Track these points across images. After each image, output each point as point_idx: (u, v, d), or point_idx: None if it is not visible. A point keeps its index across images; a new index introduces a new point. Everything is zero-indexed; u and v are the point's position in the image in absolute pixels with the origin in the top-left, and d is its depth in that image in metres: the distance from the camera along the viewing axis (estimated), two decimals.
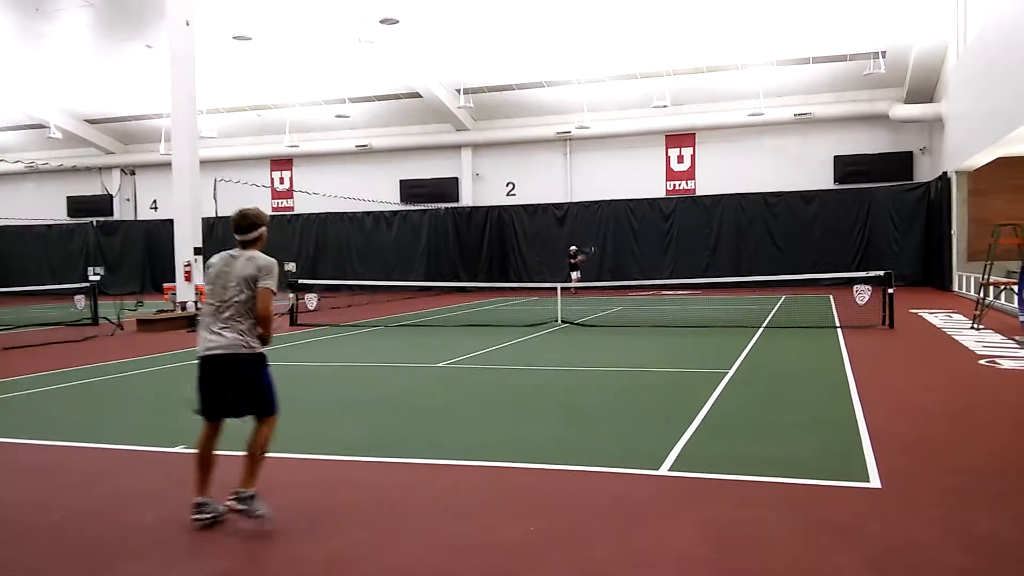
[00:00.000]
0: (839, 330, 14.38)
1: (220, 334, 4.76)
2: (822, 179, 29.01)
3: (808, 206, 28.58)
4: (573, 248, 28.02)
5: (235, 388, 4.82)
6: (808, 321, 15.87)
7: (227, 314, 4.79)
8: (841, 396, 8.28)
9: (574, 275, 27.10)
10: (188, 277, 18.63)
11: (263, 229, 5.05)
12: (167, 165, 21.78)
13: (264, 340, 4.86)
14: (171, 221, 19.76)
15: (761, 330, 14.72)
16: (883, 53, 25.05)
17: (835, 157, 28.87)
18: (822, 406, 7.95)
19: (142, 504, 5.28)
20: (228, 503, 4.67)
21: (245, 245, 4.97)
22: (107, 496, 5.51)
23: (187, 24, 18.82)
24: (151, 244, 34.66)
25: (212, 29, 23.37)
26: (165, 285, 20.13)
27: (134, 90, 30.23)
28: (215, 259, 4.98)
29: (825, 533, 4.40)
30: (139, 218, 37.22)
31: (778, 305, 20.42)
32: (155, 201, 37.13)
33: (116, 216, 37.44)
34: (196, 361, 4.87)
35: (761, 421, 7.31)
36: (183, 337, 15.91)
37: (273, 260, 4.93)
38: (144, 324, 17.66)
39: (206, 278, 4.98)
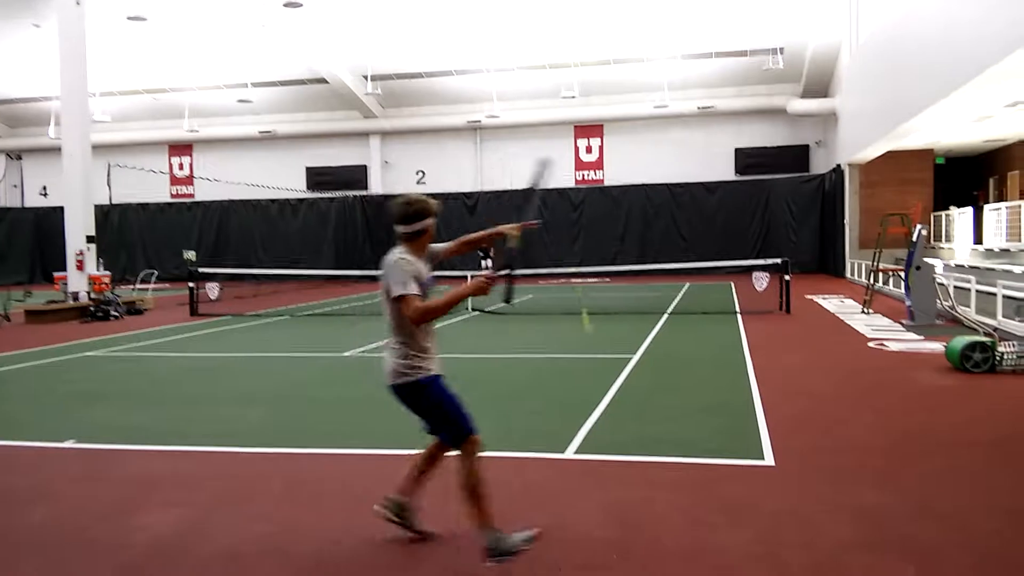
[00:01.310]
0: (739, 316, 14.87)
1: (386, 359, 4.10)
2: (724, 171, 29.92)
3: (711, 196, 29.43)
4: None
5: (416, 414, 4.16)
6: (710, 307, 16.35)
7: (389, 335, 4.08)
8: (739, 379, 8.58)
9: (484, 263, 27.17)
10: (80, 266, 17.83)
11: (429, 220, 4.11)
12: (57, 150, 20.72)
13: (420, 359, 4.03)
14: (62, 208, 18.85)
15: (665, 316, 15.09)
16: (781, 50, 25.97)
17: (736, 149, 29.82)
18: (721, 389, 8.21)
19: (33, 503, 5.04)
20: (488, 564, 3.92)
21: (404, 239, 4.09)
22: None
23: (77, 3, 17.97)
24: (40, 232, 33.03)
25: (105, 8, 22.34)
26: (56, 275, 19.20)
27: (21, 71, 28.64)
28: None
29: (720, 510, 4.56)
30: (27, 205, 35.36)
31: (682, 292, 20.97)
32: (45, 187, 35.36)
33: (2, 203, 35.45)
34: None
35: (664, 404, 7.50)
36: (75, 328, 15.22)
37: (397, 257, 3.98)
38: (33, 315, 16.80)
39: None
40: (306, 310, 18.51)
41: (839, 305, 16.61)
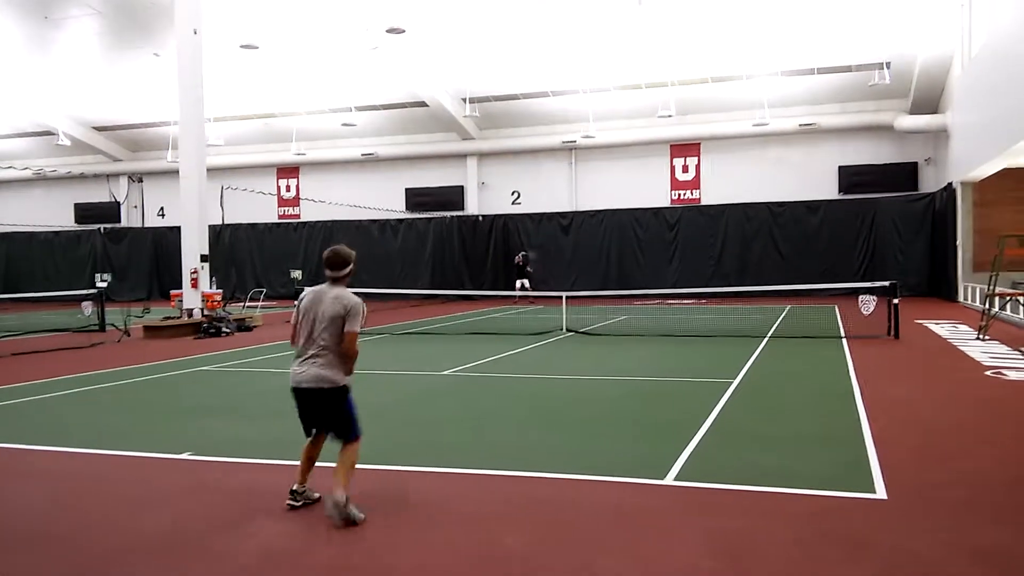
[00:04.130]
0: (844, 340, 14.37)
1: (306, 368, 5.12)
2: (827, 189, 29.04)
3: (813, 216, 28.59)
4: (519, 256, 28.25)
5: (320, 417, 5.23)
6: (813, 331, 15.86)
7: (313, 349, 5.12)
8: (847, 407, 8.29)
9: (520, 283, 27.23)
10: (195, 284, 18.70)
11: (352, 267, 5.36)
12: (174, 172, 21.87)
13: (347, 373, 5.17)
14: (178, 228, 19.84)
15: (766, 340, 14.72)
16: (888, 64, 25.11)
17: (839, 167, 28.91)
18: (828, 417, 7.95)
19: (152, 510, 5.31)
20: (329, 497, 4.95)
21: (335, 281, 5.26)
22: (117, 502, 5.54)
23: (195, 32, 18.95)
24: (158, 251, 34.74)
25: (220, 38, 23.52)
26: (172, 292, 20.19)
27: (142, 98, 30.40)
28: (307, 292, 5.32)
29: (832, 545, 4.41)
30: (146, 225, 37.36)
31: (783, 315, 20.42)
32: (162, 208, 37.27)
33: (123, 223, 37.58)
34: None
35: (767, 431, 7.32)
36: (189, 344, 15.97)
37: (359, 301, 5.16)
38: (151, 331, 17.72)
39: (297, 310, 5.29)
40: (405, 329, 18.89)
41: (952, 331, 15.85)
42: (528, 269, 27.80)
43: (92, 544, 4.71)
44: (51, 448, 7.18)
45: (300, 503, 5.22)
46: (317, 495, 5.29)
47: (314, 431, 5.32)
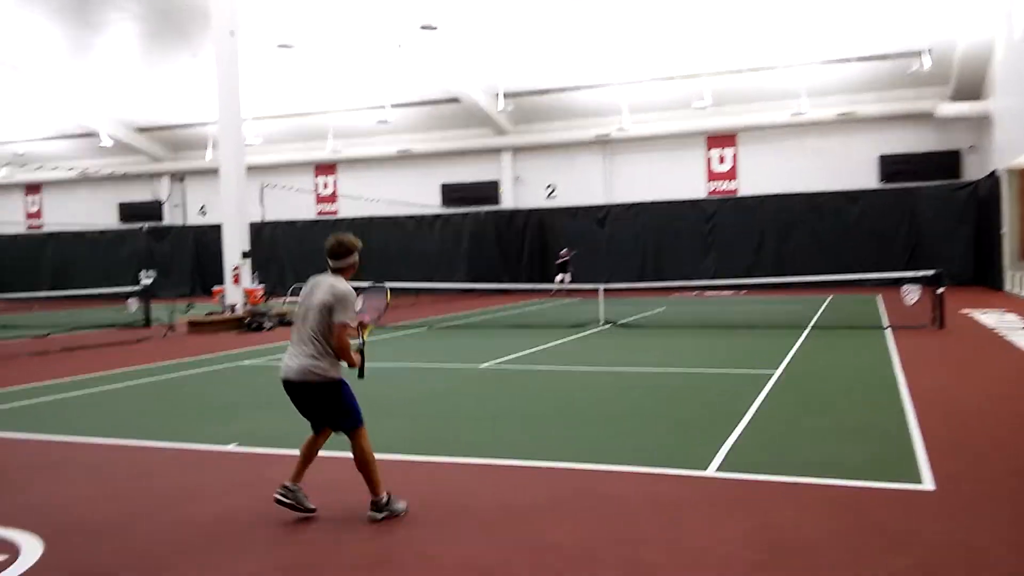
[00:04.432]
0: (888, 331, 14.16)
1: (295, 359, 4.92)
2: (867, 178, 28.58)
3: (853, 206, 28.15)
4: (564, 251, 28.10)
5: (314, 410, 5.05)
6: (856, 322, 15.65)
7: (302, 340, 4.92)
8: (891, 398, 8.18)
9: (560, 276, 27.08)
10: (236, 280, 19.00)
11: (355, 257, 5.15)
12: (214, 171, 22.18)
13: (352, 364, 4.97)
14: (219, 226, 20.16)
15: (807, 331, 14.56)
16: (928, 50, 24.61)
17: (880, 156, 28.43)
18: (872, 408, 7.86)
19: (199, 502, 5.43)
20: (370, 515, 4.89)
21: (335, 272, 5.08)
22: (166, 493, 5.67)
23: (232, 34, 19.20)
24: (200, 248, 35.27)
25: (256, 38, 23.81)
26: (214, 288, 20.52)
27: (182, 99, 30.89)
28: (308, 281, 5.16)
29: (877, 536, 4.37)
30: (188, 223, 37.96)
31: (824, 305, 20.17)
32: (203, 206, 37.85)
33: (166, 221, 38.27)
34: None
35: (810, 423, 7.25)
36: (233, 339, 16.23)
37: (350, 290, 4.91)
38: (195, 326, 18.04)
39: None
40: (443, 323, 19.00)
41: (999, 320, 15.53)
42: (570, 266, 27.65)
43: (143, 534, 4.83)
44: (101, 440, 7.36)
45: (289, 501, 4.95)
46: (312, 507, 5.00)
47: (317, 425, 5.14)
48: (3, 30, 24.61)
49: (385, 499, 4.91)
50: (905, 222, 27.54)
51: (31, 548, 4.53)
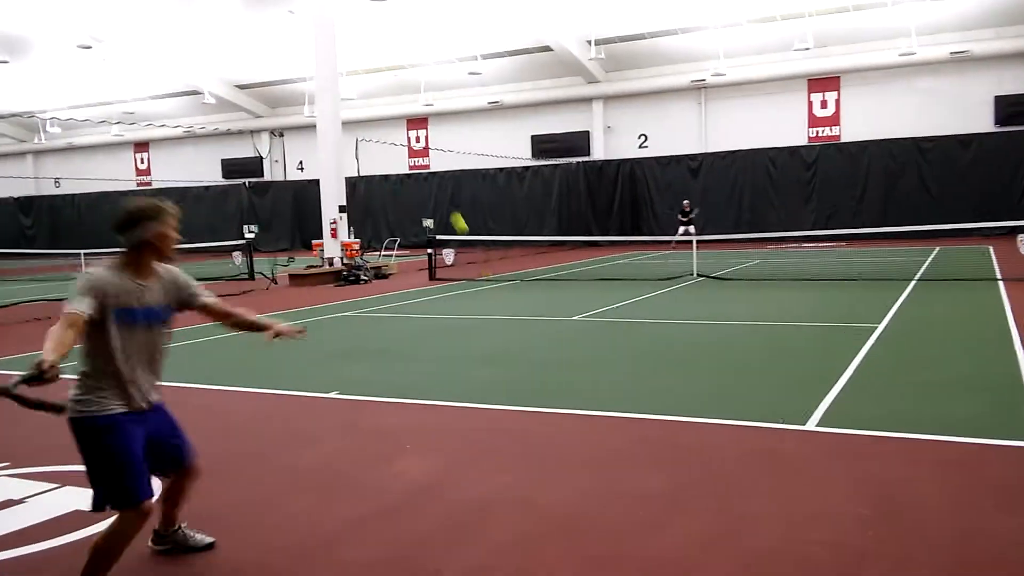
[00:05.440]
0: (1001, 283, 13.46)
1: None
2: (981, 122, 26.93)
3: (965, 151, 26.65)
4: (686, 202, 27.21)
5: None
6: (966, 274, 14.93)
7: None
8: (1004, 352, 7.81)
9: (682, 229, 26.19)
10: (334, 234, 19.50)
11: (151, 230, 3.40)
12: (312, 127, 22.68)
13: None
14: (317, 181, 20.65)
15: (913, 283, 13.97)
16: None
17: (996, 97, 26.69)
18: (982, 363, 7.53)
19: (307, 445, 5.67)
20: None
21: (126, 251, 3.43)
22: (275, 437, 5.95)
23: None
24: (299, 203, 36.26)
25: None
26: (313, 242, 21.14)
27: (280, 55, 31.52)
28: None
29: (986, 493, 4.22)
30: (288, 178, 39.05)
31: (932, 257, 19.29)
32: (301, 162, 38.80)
33: (267, 177, 39.45)
34: None
35: (915, 377, 7.01)
36: (332, 291, 16.73)
37: (82, 276, 3.29)
38: (296, 279, 18.66)
39: None
40: (533, 275, 19.07)
41: None
42: (693, 216, 26.85)
43: (257, 474, 5.08)
44: (209, 387, 7.76)
45: (165, 546, 3.83)
46: (197, 539, 3.87)
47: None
48: None
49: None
50: (1023, 167, 25.93)
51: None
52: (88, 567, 3.30)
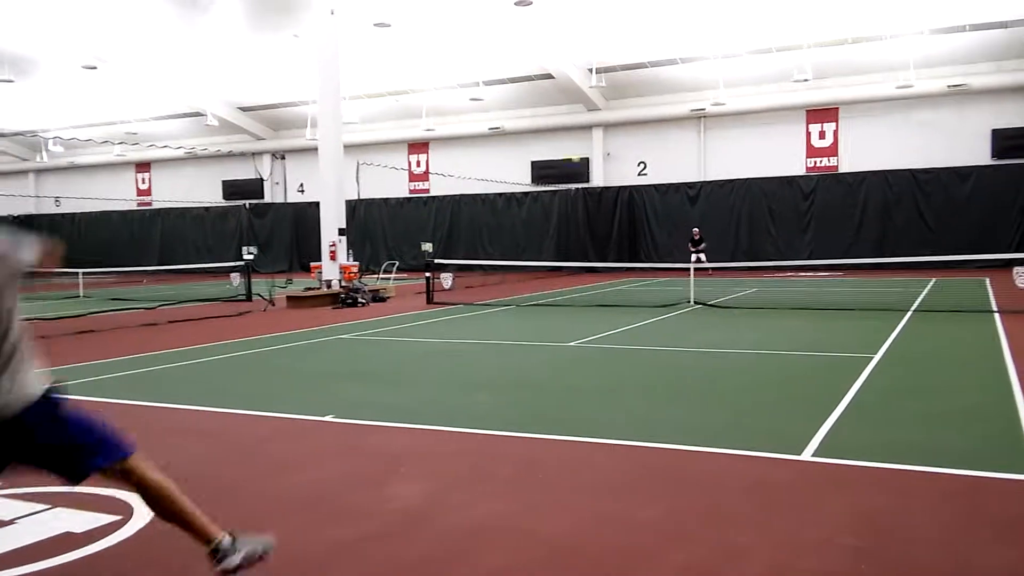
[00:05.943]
0: (997, 315, 13.48)
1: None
2: (979, 154, 27.13)
3: (963, 183, 26.81)
4: (696, 229, 27.63)
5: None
6: (962, 305, 14.96)
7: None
8: (1000, 384, 7.81)
9: (696, 256, 26.47)
10: (333, 256, 19.53)
11: None
12: (313, 150, 22.79)
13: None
14: (317, 203, 20.71)
15: (910, 313, 14.00)
16: None
17: (993, 131, 26.93)
18: (979, 394, 7.53)
19: (299, 469, 5.64)
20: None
21: None
22: (267, 459, 5.92)
23: (332, 13, 19.61)
24: (298, 225, 36.38)
25: (354, 17, 24.21)
26: (312, 264, 21.16)
27: (283, 78, 31.75)
28: None
29: (981, 525, 4.21)
30: (288, 200, 39.17)
31: (928, 288, 19.34)
32: (302, 184, 38.95)
33: (267, 199, 39.58)
34: None
35: (913, 408, 7.00)
36: (329, 313, 16.72)
37: None
38: (293, 301, 18.66)
39: None
40: (530, 300, 19.08)
41: None
42: (703, 246, 27.24)
43: (246, 497, 5.06)
44: (206, 408, 7.72)
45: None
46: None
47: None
48: (117, 14, 25.79)
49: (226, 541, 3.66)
50: (1020, 201, 26.08)
51: (145, 508, 4.80)
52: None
